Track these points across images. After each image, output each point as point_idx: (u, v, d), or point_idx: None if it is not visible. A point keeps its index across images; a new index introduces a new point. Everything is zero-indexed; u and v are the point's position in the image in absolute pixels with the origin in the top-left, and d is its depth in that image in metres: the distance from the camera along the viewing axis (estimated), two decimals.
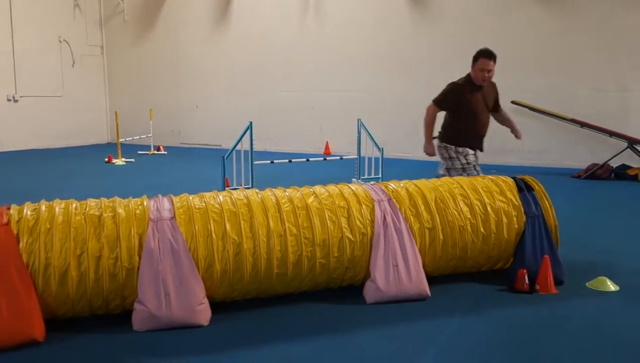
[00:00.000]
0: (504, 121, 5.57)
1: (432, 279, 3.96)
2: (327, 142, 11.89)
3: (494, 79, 5.26)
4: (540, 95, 9.75)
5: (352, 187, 4.07)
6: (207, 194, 3.76)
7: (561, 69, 9.83)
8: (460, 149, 5.19)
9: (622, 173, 8.75)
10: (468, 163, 5.17)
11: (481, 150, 5.34)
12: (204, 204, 3.58)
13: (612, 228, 5.78)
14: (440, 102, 5.23)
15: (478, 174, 5.11)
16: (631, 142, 8.75)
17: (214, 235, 3.43)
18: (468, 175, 5.05)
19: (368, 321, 3.48)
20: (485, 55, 5.04)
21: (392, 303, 3.71)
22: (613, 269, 4.34)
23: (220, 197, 3.71)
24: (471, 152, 5.22)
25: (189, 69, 14.11)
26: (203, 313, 3.36)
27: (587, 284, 4.05)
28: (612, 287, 3.98)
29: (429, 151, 5.34)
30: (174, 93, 14.33)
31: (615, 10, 9.35)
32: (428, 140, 5.31)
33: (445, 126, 5.31)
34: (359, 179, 8.08)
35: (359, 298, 3.78)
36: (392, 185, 4.19)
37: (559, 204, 6.69)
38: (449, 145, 5.24)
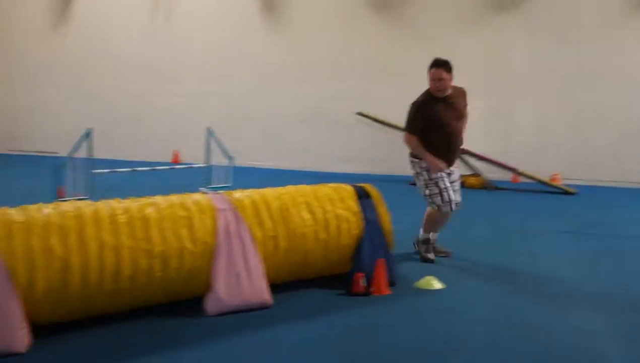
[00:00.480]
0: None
1: (274, 287, 4.00)
2: (175, 150, 11.56)
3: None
4: (383, 106, 10.34)
5: (195, 197, 3.99)
6: (31, 207, 3.46)
7: (403, 81, 10.51)
8: (425, 164, 4.94)
9: None
10: (435, 178, 4.90)
11: (453, 164, 5.05)
12: (25, 218, 3.27)
13: (444, 231, 6.29)
14: (412, 128, 4.96)
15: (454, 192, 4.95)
16: (460, 152, 9.62)
17: (36, 250, 3.16)
18: (441, 192, 4.89)
19: (206, 334, 3.43)
20: (434, 65, 4.89)
21: (233, 313, 3.69)
22: (441, 269, 4.74)
23: (47, 209, 3.42)
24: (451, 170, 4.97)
25: (24, 67, 12.91)
26: (20, 339, 3.06)
27: (415, 284, 4.37)
28: (437, 285, 4.33)
29: (440, 166, 4.91)
30: (6, 93, 13.02)
31: (448, 30, 10.25)
32: (431, 158, 4.90)
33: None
34: (208, 188, 7.95)
35: (200, 311, 3.70)
36: (237, 194, 4.18)
37: (397, 210, 7.17)
38: (414, 160, 5.05)
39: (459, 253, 5.35)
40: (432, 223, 5.08)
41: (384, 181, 9.52)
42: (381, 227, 4.36)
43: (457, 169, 5.17)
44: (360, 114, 10.29)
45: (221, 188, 7.74)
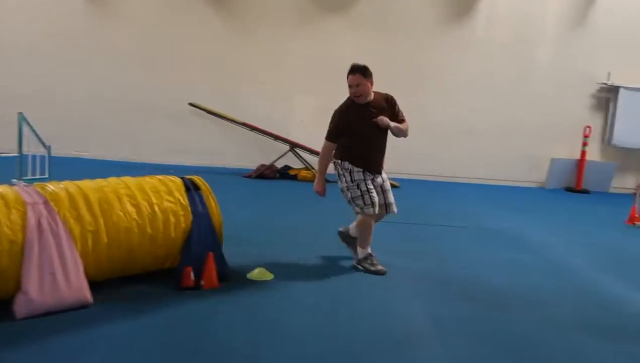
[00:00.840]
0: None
1: (98, 284, 3.75)
2: None
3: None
4: (215, 98, 10.22)
5: (0, 189, 3.58)
6: None
7: (233, 75, 10.48)
8: (347, 166, 4.76)
9: (285, 173, 9.83)
10: (357, 180, 4.72)
11: (378, 172, 4.87)
12: None
13: (275, 223, 6.41)
14: (329, 136, 4.82)
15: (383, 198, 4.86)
16: (292, 146, 9.88)
17: None
18: (362, 194, 4.71)
19: (20, 337, 3.11)
20: (350, 71, 4.74)
21: (48, 315, 3.39)
22: (271, 259, 4.80)
23: None
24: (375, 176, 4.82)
25: None
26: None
27: (247, 275, 4.39)
28: (268, 276, 4.39)
29: (318, 189, 4.88)
30: None
31: (279, 28, 10.43)
32: (319, 178, 4.82)
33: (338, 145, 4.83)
34: (21, 179, 7.18)
35: (8, 315, 3.33)
36: (51, 186, 3.83)
37: (230, 203, 7.14)
38: (336, 161, 4.84)
39: (293, 243, 5.49)
40: (364, 234, 4.80)
41: (219, 174, 9.47)
42: (211, 219, 4.29)
43: (383, 175, 4.96)
44: (192, 104, 10.07)
45: (36, 180, 7.06)
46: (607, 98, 10.55)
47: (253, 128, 9.98)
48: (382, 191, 4.91)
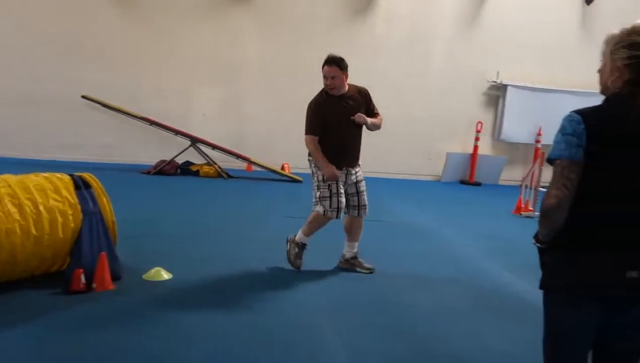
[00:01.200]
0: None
1: None
2: None
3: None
4: (111, 91, 9.75)
5: None
6: None
7: (130, 66, 10.04)
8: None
9: (186, 169, 9.57)
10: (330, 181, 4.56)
11: (351, 166, 4.74)
12: None
13: (174, 220, 6.22)
14: (309, 129, 4.62)
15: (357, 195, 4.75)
16: (193, 141, 9.64)
17: None
18: (331, 196, 4.54)
19: None
20: (325, 62, 4.62)
21: None
22: (169, 259, 4.65)
23: None
24: (349, 171, 4.69)
25: None
26: None
27: (143, 276, 4.22)
28: (165, 275, 4.25)
29: (333, 174, 4.54)
30: None
31: (180, 19, 10.10)
32: (325, 164, 4.54)
33: None
34: None
35: None
36: None
37: (127, 200, 6.85)
38: (310, 158, 4.71)
39: (193, 241, 5.35)
40: (314, 226, 4.72)
41: (116, 170, 9.06)
42: (103, 218, 4.08)
43: (359, 170, 4.89)
44: (85, 97, 9.54)
45: None
46: (496, 95, 11.20)
47: (152, 122, 9.62)
48: (356, 193, 4.81)
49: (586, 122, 1.91)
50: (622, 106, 1.94)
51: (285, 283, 4.38)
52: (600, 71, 2.08)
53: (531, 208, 8.02)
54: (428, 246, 5.93)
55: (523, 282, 4.87)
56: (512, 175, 11.43)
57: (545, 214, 1.93)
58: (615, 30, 2.03)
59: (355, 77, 11.00)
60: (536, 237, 2.05)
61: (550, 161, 1.97)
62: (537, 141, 11.08)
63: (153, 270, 4.26)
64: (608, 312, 1.94)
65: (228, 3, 10.25)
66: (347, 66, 4.70)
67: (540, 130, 11.00)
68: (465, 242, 6.21)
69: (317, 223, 4.72)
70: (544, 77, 11.08)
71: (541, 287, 2.05)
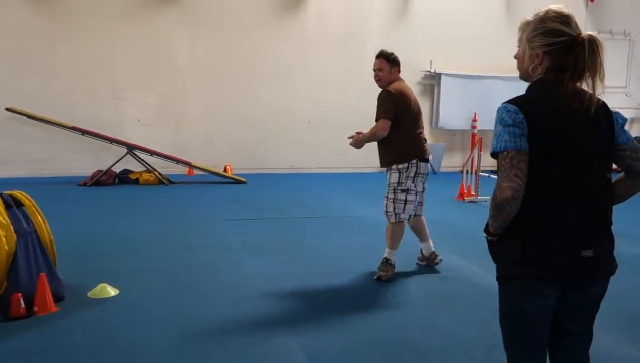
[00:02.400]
0: None
1: None
2: None
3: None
4: (36, 101, 9.27)
5: None
6: None
7: (58, 74, 9.59)
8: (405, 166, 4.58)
9: (125, 177, 9.23)
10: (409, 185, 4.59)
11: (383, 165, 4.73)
12: None
13: (116, 233, 5.97)
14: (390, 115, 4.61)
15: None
16: (130, 148, 9.31)
17: None
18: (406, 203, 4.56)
19: None
20: (377, 55, 4.66)
21: None
22: (114, 274, 4.45)
23: None
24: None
25: None
26: None
27: (88, 294, 4.02)
28: (112, 292, 4.06)
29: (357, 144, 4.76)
30: None
31: (107, 20, 9.71)
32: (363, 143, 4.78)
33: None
34: None
35: None
36: None
37: (63, 215, 6.54)
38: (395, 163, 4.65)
39: (138, 253, 5.14)
40: (397, 238, 4.63)
41: (49, 184, 8.64)
42: (40, 238, 3.85)
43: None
44: (9, 109, 9.04)
45: None
46: (431, 85, 11.41)
47: (84, 131, 9.22)
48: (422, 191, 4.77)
49: (523, 110, 1.92)
50: (549, 92, 1.96)
51: (239, 292, 4.27)
52: (518, 57, 2.10)
53: (474, 194, 8.22)
54: (376, 237, 5.94)
55: (473, 266, 4.97)
56: (451, 161, 11.69)
57: (500, 207, 1.92)
58: (529, 16, 2.05)
59: (290, 74, 11.02)
60: (487, 230, 2.05)
61: (494, 154, 1.95)
62: (474, 127, 11.36)
63: (98, 287, 4.06)
64: (564, 292, 1.98)
65: (157, 4, 9.94)
66: (396, 61, 4.70)
67: (475, 116, 11.31)
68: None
69: (397, 232, 4.65)
70: (475, 65, 11.38)
71: (498, 279, 2.06)
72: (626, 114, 12.37)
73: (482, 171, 8.50)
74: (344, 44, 10.80)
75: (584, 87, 1.98)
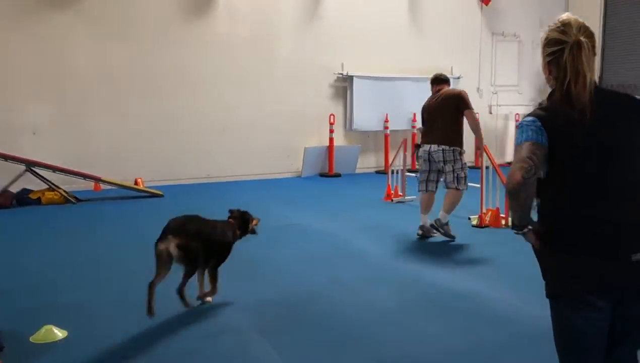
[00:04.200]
0: None
1: None
2: None
3: None
4: None
5: None
6: None
7: None
8: (461, 150, 5.91)
9: (25, 198, 8.27)
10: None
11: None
12: None
13: (35, 262, 5.27)
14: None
15: None
16: (28, 164, 8.37)
17: None
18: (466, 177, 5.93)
19: None
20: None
21: None
22: (57, 311, 3.90)
23: None
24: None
25: None
26: None
27: (31, 339, 3.45)
28: (60, 334, 3.52)
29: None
30: None
31: None
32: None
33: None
34: None
35: None
36: None
37: None
38: (456, 147, 5.83)
39: (69, 283, 4.55)
40: (456, 205, 5.83)
41: None
42: None
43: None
44: None
45: None
46: (344, 87, 11.44)
47: None
48: None
49: (541, 120, 1.94)
50: (555, 103, 1.97)
51: (202, 320, 3.90)
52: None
53: (401, 194, 8.30)
54: (324, 246, 5.78)
55: (430, 270, 4.93)
56: (366, 163, 11.82)
57: (513, 194, 1.90)
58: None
59: (201, 79, 10.51)
60: (514, 226, 2.02)
61: (517, 146, 1.95)
62: (386, 128, 11.57)
63: (43, 330, 3.50)
64: (620, 302, 1.91)
65: (49, 8, 9.04)
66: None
67: (387, 117, 11.51)
68: (357, 237, 6.17)
69: (458, 200, 5.84)
70: (385, 67, 11.58)
71: (548, 296, 2.00)
72: (519, 110, 13.31)
73: (409, 172, 8.61)
74: (255, 47, 10.50)
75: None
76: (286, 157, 10.99)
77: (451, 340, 3.49)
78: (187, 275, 3.89)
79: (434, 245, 5.82)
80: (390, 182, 8.45)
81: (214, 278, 4.08)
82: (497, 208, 6.57)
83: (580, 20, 2.00)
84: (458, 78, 12.39)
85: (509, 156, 13.25)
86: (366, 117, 11.48)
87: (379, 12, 11.54)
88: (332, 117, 11.07)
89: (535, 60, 13.44)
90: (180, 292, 3.90)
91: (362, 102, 11.38)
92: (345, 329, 3.67)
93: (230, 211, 4.43)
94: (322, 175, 11.15)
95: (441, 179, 5.89)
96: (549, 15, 13.43)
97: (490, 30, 12.87)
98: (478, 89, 12.86)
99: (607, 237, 1.86)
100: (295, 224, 6.84)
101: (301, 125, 11.00)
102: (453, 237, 5.82)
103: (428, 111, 6.00)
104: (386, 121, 11.55)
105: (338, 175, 11.07)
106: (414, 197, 8.23)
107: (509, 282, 4.59)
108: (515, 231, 2.02)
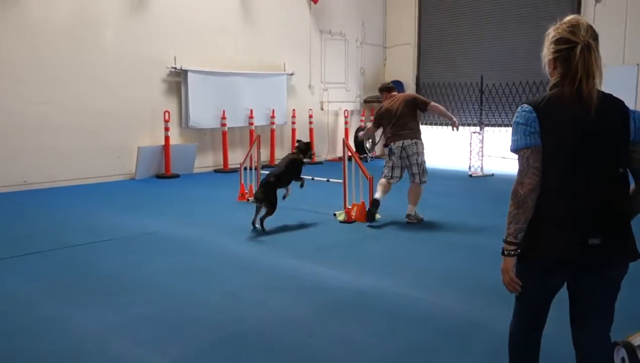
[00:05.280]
0: None
1: None
2: None
3: None
4: None
5: None
6: None
7: None
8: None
9: None
10: None
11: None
12: None
13: None
14: None
15: None
16: None
17: None
18: None
19: None
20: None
21: None
22: None
23: None
24: None
25: None
26: None
27: None
28: None
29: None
30: None
31: None
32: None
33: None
34: None
35: None
36: None
37: None
38: (419, 140, 6.74)
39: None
40: (419, 197, 6.66)
41: None
42: None
43: None
44: None
45: None
46: (178, 82, 10.70)
47: None
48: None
49: (536, 110, 2.13)
50: (558, 95, 2.15)
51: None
52: (544, 64, 2.27)
53: None
54: (198, 255, 5.27)
55: (326, 271, 4.76)
56: (204, 161, 11.25)
57: (522, 202, 2.11)
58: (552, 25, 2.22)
59: (9, 72, 8.97)
60: (507, 242, 2.16)
61: (514, 152, 2.18)
62: (223, 125, 11.13)
63: None
64: (580, 275, 2.17)
65: None
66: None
67: (224, 113, 11.08)
68: (231, 242, 5.74)
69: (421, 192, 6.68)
70: (221, 61, 11.12)
71: (518, 258, 2.19)
72: (347, 106, 13.89)
73: (263, 168, 8.32)
74: (75, 36, 9.26)
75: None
76: (117, 158, 9.93)
77: (382, 345, 3.34)
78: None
79: (315, 245, 5.66)
80: (243, 181, 8.08)
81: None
82: (362, 202, 6.65)
83: (588, 22, 2.15)
84: (291, 74, 12.44)
85: (339, 151, 13.76)
86: (203, 114, 10.90)
87: (211, 4, 11.03)
88: (167, 113, 10.28)
89: (359, 58, 14.14)
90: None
91: (198, 98, 10.77)
92: (262, 345, 3.30)
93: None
94: (158, 176, 10.31)
95: (405, 174, 6.73)
96: (370, 17, 14.22)
97: (319, 28, 13.13)
98: (310, 86, 13.06)
99: (576, 221, 2.09)
100: (153, 233, 6.14)
101: (133, 122, 10.03)
102: (422, 220, 6.62)
103: (393, 115, 6.69)
104: (224, 118, 11.11)
105: (176, 176, 10.34)
106: None
107: (407, 276, 4.62)
108: (504, 253, 2.16)
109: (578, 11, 11.21)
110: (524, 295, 2.22)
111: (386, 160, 6.76)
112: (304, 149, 6.71)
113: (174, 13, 10.43)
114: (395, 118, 6.66)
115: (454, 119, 6.85)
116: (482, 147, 10.88)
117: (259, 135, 8.18)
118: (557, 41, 2.14)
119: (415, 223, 6.50)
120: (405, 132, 6.60)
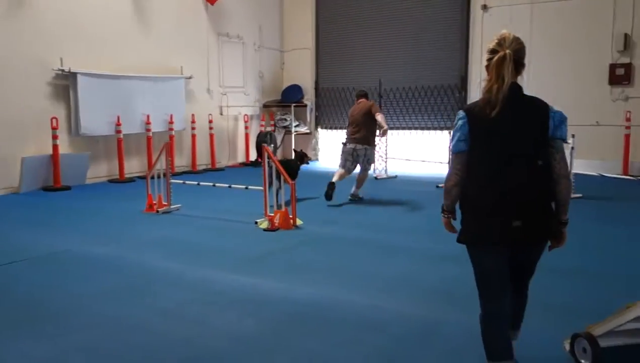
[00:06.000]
0: None
1: None
2: None
3: None
4: None
5: None
6: None
7: None
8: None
9: None
10: None
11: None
12: None
13: None
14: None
15: None
16: None
17: None
18: None
19: None
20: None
21: None
22: None
23: None
24: None
25: None
26: None
27: None
28: None
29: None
30: None
31: None
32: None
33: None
34: None
35: None
36: None
37: None
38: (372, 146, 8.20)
39: None
40: (364, 182, 8.19)
41: None
42: None
43: None
44: None
45: None
46: (65, 85, 9.79)
47: None
48: None
49: (467, 114, 2.59)
50: (486, 99, 2.54)
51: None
52: None
53: (165, 203, 7.49)
54: (121, 273, 4.78)
55: (262, 282, 4.51)
56: (97, 171, 10.41)
57: (448, 191, 2.69)
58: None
59: None
60: (443, 210, 2.78)
61: (454, 154, 2.65)
62: (118, 132, 10.38)
63: None
64: (515, 250, 2.60)
65: None
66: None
67: (119, 119, 10.33)
68: (152, 258, 5.27)
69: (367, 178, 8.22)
70: (113, 64, 10.36)
71: (464, 242, 2.64)
72: (247, 111, 13.61)
73: (173, 177, 7.83)
74: None
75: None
76: None
77: (350, 356, 3.18)
78: None
79: (242, 255, 5.36)
80: (150, 191, 7.53)
81: None
82: (285, 209, 6.45)
83: (515, 36, 2.55)
84: (189, 78, 11.92)
85: (240, 157, 13.44)
86: (95, 121, 10.06)
87: (99, 3, 10.24)
88: (54, 120, 9.37)
89: (258, 62, 13.91)
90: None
91: (89, 103, 9.92)
92: None
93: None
94: (46, 189, 9.34)
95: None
96: (267, 20, 14.05)
97: (216, 31, 12.72)
98: (208, 90, 12.59)
99: (503, 207, 2.51)
100: (63, 251, 5.48)
101: (14, 130, 8.99)
102: (362, 198, 8.16)
103: (354, 117, 8.00)
104: (118, 124, 10.35)
105: (67, 188, 9.43)
106: (180, 205, 7.57)
107: (350, 283, 4.49)
108: (443, 216, 2.79)
109: (467, 18, 11.88)
110: (479, 270, 2.64)
111: (341, 153, 8.06)
112: (300, 157, 8.41)
113: (58, 11, 9.54)
114: (354, 123, 7.93)
115: (384, 128, 7.90)
116: (385, 150, 11.12)
117: (167, 142, 7.69)
118: (488, 51, 2.57)
119: (355, 201, 8.10)
120: (357, 137, 7.85)
